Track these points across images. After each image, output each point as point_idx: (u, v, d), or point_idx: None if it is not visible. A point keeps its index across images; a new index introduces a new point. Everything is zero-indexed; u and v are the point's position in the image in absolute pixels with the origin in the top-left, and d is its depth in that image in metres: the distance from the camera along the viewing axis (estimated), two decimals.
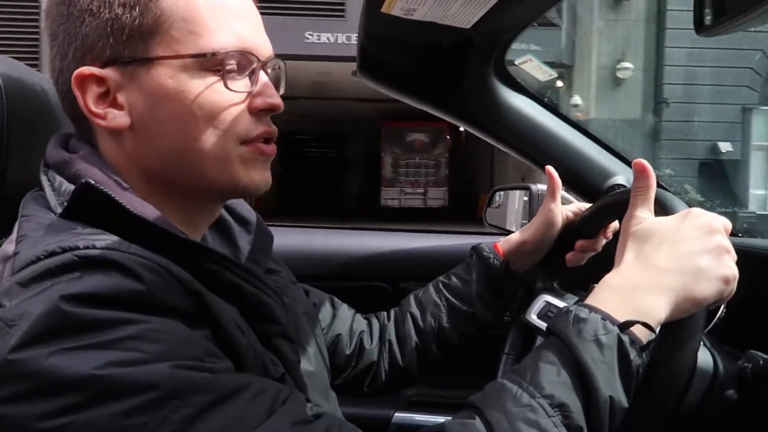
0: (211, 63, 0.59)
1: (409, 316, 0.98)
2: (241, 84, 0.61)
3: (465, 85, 1.10)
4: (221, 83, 0.60)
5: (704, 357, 0.72)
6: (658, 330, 0.62)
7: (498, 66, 1.08)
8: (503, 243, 0.99)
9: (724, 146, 11.50)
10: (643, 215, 0.68)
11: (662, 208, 0.70)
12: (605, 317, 0.60)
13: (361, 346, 0.95)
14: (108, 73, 0.59)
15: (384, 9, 0.83)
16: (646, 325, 0.60)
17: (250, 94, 0.62)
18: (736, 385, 0.71)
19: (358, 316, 1.00)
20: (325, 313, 0.95)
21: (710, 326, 0.89)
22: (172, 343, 0.48)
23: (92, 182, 0.54)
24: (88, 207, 0.55)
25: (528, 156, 1.19)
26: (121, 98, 0.60)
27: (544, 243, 0.96)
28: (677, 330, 0.63)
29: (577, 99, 10.91)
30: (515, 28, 0.96)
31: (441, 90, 1.11)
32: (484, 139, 1.20)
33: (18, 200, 0.61)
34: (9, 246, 0.55)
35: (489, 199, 1.79)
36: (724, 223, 0.66)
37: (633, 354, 0.59)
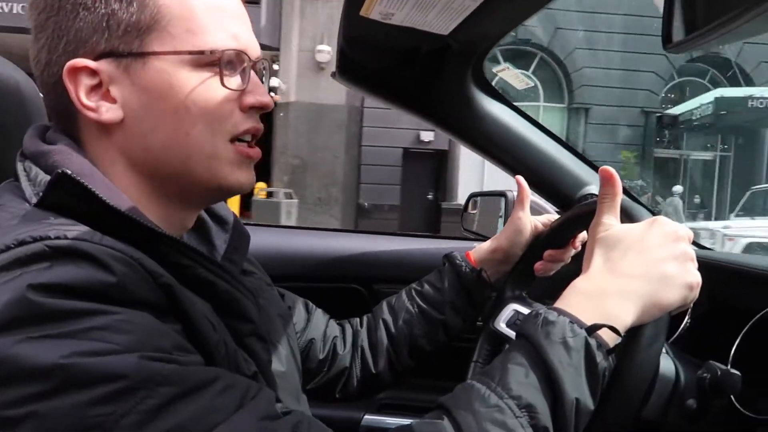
0: (208, 60, 0.60)
1: (381, 322, 0.99)
2: (234, 82, 0.62)
3: (442, 91, 1.10)
4: (217, 80, 0.61)
5: (667, 365, 0.74)
6: (624, 334, 0.63)
7: (476, 72, 1.09)
8: (475, 252, 1.00)
9: (426, 135, 11.37)
10: (610, 222, 0.69)
11: (627, 216, 0.71)
12: (573, 320, 0.61)
13: (335, 351, 0.96)
14: (101, 65, 0.59)
15: (363, 12, 0.83)
16: (612, 328, 0.61)
17: (242, 92, 0.63)
18: (696, 394, 0.72)
19: (332, 321, 1.00)
20: (300, 317, 0.95)
21: (675, 336, 0.90)
22: (140, 335, 0.48)
23: (68, 172, 0.54)
24: (63, 197, 0.54)
25: (503, 163, 1.20)
26: (114, 91, 0.60)
27: (514, 251, 0.98)
28: (642, 333, 0.65)
29: (275, 81, 10.52)
30: (493, 36, 0.97)
31: (419, 94, 1.12)
32: (461, 144, 1.21)
33: None
34: None
35: (465, 204, 1.80)
36: (687, 233, 0.68)
37: (600, 357, 0.60)
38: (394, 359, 0.97)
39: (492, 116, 1.14)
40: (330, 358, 0.95)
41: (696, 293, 0.65)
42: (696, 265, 0.66)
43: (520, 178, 1.00)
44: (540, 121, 1.17)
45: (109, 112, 0.59)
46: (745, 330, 0.82)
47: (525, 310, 0.92)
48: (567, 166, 1.18)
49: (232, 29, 0.62)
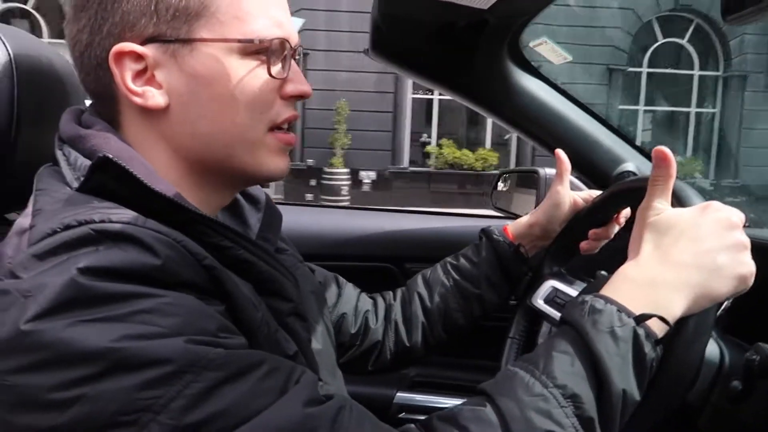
0: (255, 48, 0.60)
1: (416, 295, 0.98)
2: (277, 70, 0.62)
3: (478, 67, 1.08)
4: (263, 69, 0.61)
5: (711, 348, 0.72)
6: (673, 324, 0.61)
7: (512, 48, 1.07)
8: (512, 226, 0.99)
9: None
10: (661, 205, 0.66)
11: (678, 200, 0.69)
12: (621, 309, 0.59)
13: (366, 325, 0.96)
14: (148, 50, 0.58)
15: None
16: (662, 318, 0.60)
17: (284, 80, 0.63)
18: (742, 376, 0.71)
19: (363, 295, 1.01)
20: (330, 292, 0.95)
21: (715, 317, 0.89)
22: (186, 317, 0.48)
23: (110, 156, 0.54)
24: (105, 181, 0.54)
25: (539, 139, 1.18)
26: (159, 77, 0.59)
27: (552, 226, 0.97)
28: (689, 323, 0.63)
29: None
30: (532, 10, 0.95)
31: (454, 71, 1.10)
32: (496, 121, 1.19)
33: (27, 173, 0.60)
34: (24, 219, 0.54)
35: (495, 181, 1.78)
36: (740, 218, 0.65)
37: (648, 347, 0.58)
38: (428, 333, 0.97)
39: (528, 92, 1.12)
40: (362, 332, 0.95)
41: (749, 283, 0.63)
42: (749, 253, 0.63)
43: (560, 152, 0.98)
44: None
45: (154, 98, 0.59)
46: None
47: (564, 287, 0.91)
48: (604, 142, 1.16)
49: (276, 16, 0.62)
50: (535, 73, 1.14)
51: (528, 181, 1.59)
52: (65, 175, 0.57)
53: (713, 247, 0.62)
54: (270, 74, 0.61)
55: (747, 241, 0.64)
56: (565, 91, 1.17)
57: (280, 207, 0.80)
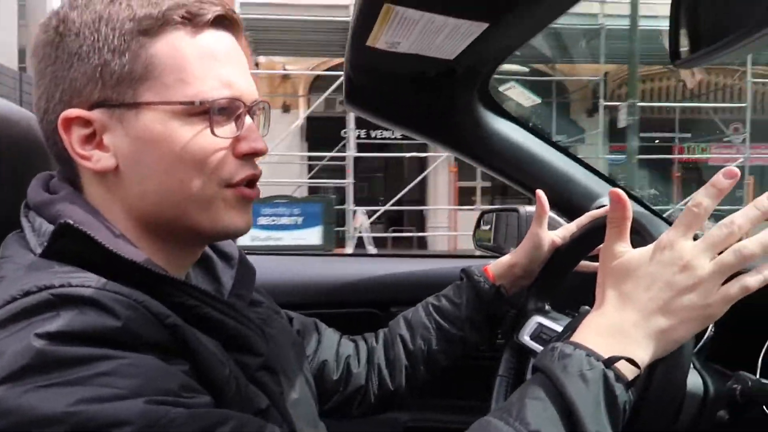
0: (199, 110, 0.60)
1: (398, 338, 0.98)
2: (227, 129, 0.62)
3: (451, 113, 1.11)
4: (208, 129, 0.61)
5: (693, 380, 0.72)
6: (643, 368, 0.62)
7: (483, 93, 1.10)
8: (493, 267, 1.00)
9: None
10: (620, 248, 0.66)
11: (639, 236, 0.69)
12: (590, 353, 0.60)
13: (349, 369, 0.95)
14: (95, 115, 0.60)
15: (369, 43, 0.85)
16: (631, 361, 0.60)
17: (236, 139, 0.63)
18: (726, 405, 0.71)
19: (345, 339, 1.00)
20: (310, 338, 0.95)
21: (698, 347, 0.89)
22: (146, 378, 0.48)
23: (71, 222, 0.54)
24: (68, 246, 0.55)
25: (516, 180, 1.20)
26: (107, 140, 0.60)
27: (533, 267, 0.98)
28: (664, 361, 0.63)
29: None
30: (498, 58, 0.98)
31: (428, 118, 1.12)
32: (473, 164, 1.22)
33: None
34: None
35: (477, 221, 1.80)
36: (695, 251, 0.60)
37: (619, 390, 0.58)
38: (411, 375, 0.96)
39: (502, 135, 1.15)
40: (345, 377, 0.95)
41: (721, 312, 0.61)
42: (718, 277, 0.60)
43: (540, 193, 0.99)
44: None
45: (101, 161, 0.60)
46: None
47: (549, 323, 0.92)
48: (579, 179, 1.18)
49: (226, 76, 0.62)
50: (507, 115, 1.17)
51: (509, 220, 1.60)
52: (29, 241, 0.58)
53: (671, 291, 0.61)
54: (213, 134, 0.61)
55: (707, 270, 0.60)
56: (537, 131, 1.20)
57: (263, 256, 0.80)
